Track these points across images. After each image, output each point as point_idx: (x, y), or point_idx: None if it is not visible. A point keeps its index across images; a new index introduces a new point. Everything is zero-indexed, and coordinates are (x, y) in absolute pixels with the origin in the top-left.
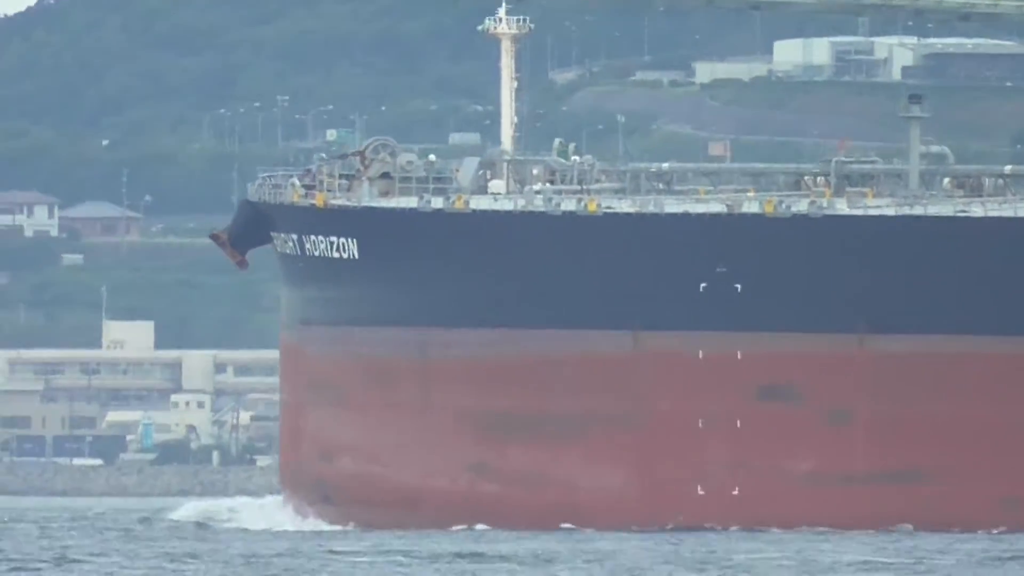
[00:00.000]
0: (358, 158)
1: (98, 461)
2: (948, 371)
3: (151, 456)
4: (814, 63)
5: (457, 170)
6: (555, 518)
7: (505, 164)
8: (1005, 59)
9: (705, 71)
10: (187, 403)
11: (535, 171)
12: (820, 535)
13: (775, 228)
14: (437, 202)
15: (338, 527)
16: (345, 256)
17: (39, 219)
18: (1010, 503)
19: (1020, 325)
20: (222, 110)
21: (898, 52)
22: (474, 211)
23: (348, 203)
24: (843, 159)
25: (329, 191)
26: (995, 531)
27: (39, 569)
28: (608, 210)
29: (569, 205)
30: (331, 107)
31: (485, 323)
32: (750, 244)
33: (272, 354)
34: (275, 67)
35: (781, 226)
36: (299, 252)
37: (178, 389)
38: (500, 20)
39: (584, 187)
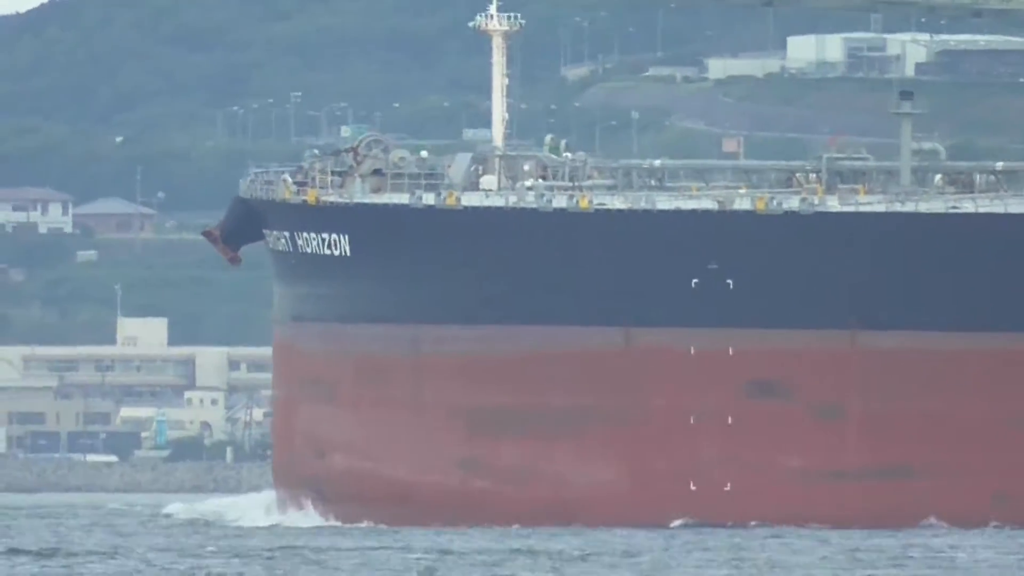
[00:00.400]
0: (350, 155)
1: (112, 457)
2: (939, 367)
3: (165, 453)
4: (827, 59)
5: (449, 166)
6: (547, 514)
7: (497, 160)
8: (1017, 55)
9: (718, 67)
10: (201, 400)
11: (527, 167)
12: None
13: (767, 225)
14: (429, 198)
15: (330, 523)
16: (337, 253)
17: (53, 216)
18: (1001, 499)
19: (1011, 321)
20: (235, 107)
21: (911, 48)
22: (466, 207)
23: (340, 199)
24: (835, 155)
25: (321, 188)
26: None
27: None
28: (600, 206)
29: (561, 201)
30: (344, 104)
31: (477, 319)
32: (742, 241)
33: None
34: (288, 63)
35: (773, 223)
36: (291, 249)
37: (192, 386)
38: (491, 17)
39: (576, 183)
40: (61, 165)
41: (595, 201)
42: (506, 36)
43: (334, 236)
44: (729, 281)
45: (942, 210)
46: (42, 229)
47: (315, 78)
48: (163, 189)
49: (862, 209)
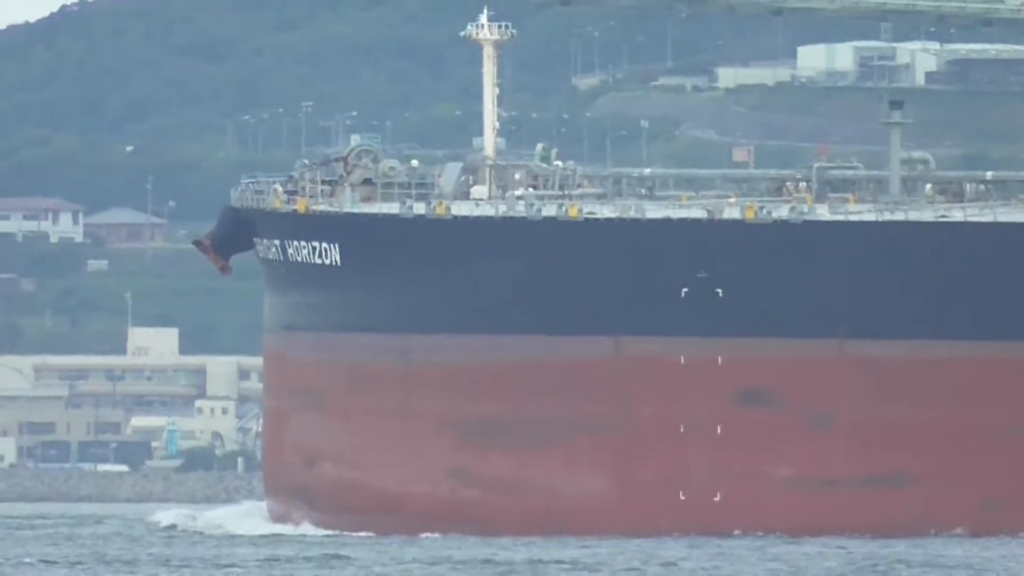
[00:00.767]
0: (340, 164)
1: (123, 467)
2: (929, 376)
3: (176, 463)
4: (837, 69)
5: (439, 176)
6: (536, 524)
7: (487, 169)
8: None
9: (728, 76)
10: (211, 409)
11: (517, 176)
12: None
13: (756, 234)
14: (419, 208)
15: (320, 532)
16: (327, 262)
17: (64, 226)
18: (989, 506)
19: (1000, 330)
20: (246, 116)
21: (921, 57)
22: (455, 217)
23: (330, 209)
24: (824, 164)
25: (311, 197)
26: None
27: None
28: (590, 215)
29: (550, 211)
30: (355, 113)
31: (467, 329)
32: (731, 250)
33: None
34: (299, 73)
35: (762, 232)
36: (281, 258)
37: (202, 395)
38: (482, 26)
39: (566, 192)
40: (72, 175)
41: (585, 210)
42: (497, 45)
43: (324, 245)
44: (719, 290)
45: (931, 219)
46: (53, 239)
47: (325, 88)
48: (174, 199)
49: (852, 218)
